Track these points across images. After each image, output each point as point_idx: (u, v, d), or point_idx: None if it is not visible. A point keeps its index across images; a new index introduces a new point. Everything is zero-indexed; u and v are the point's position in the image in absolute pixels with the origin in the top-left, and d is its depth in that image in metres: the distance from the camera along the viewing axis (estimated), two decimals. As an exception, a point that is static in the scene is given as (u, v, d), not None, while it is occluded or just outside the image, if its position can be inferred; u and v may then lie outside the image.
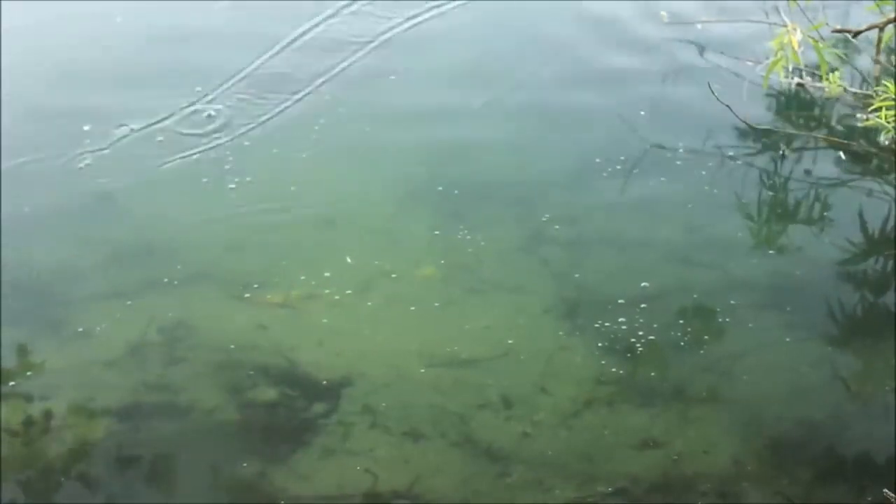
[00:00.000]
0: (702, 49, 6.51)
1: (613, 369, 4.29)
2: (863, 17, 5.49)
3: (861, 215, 5.17)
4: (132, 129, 5.75)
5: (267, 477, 3.88)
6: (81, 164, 5.50)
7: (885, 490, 3.66)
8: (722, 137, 5.71)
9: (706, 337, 4.47)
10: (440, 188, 5.30)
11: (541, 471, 3.89)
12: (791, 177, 5.55)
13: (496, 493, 3.82)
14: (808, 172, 5.57)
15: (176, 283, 4.72)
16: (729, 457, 3.96)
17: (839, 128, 5.88)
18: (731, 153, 5.63)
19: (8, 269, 4.81)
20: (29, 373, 4.30)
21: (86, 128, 5.73)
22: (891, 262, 4.95)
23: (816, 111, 6.08)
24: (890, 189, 5.37)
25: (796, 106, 6.11)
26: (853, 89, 5.58)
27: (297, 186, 5.34)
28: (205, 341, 4.45)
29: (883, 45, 5.05)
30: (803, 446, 4.02)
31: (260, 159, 5.56)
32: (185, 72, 6.20)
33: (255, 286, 4.71)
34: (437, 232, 5.03)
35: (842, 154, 5.60)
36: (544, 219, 5.10)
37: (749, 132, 5.75)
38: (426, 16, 6.87)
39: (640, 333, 4.44)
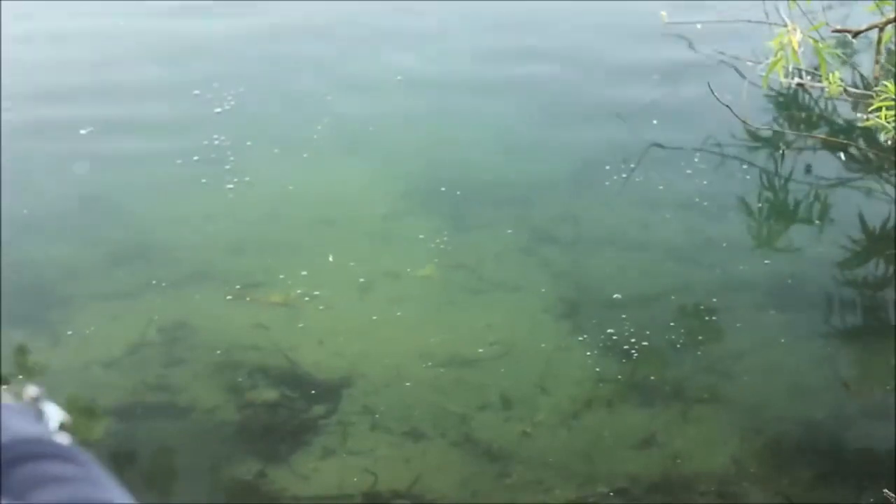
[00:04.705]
0: (701, 49, 6.51)
1: (613, 369, 4.29)
2: (863, 17, 5.50)
3: (861, 215, 5.17)
4: None
5: (267, 477, 3.88)
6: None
7: (885, 490, 3.66)
8: (721, 137, 5.71)
9: (706, 337, 4.47)
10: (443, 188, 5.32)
11: (541, 471, 3.89)
12: (791, 177, 5.55)
13: (496, 492, 3.81)
14: (808, 172, 5.57)
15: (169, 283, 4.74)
16: (729, 457, 3.95)
17: (839, 128, 5.88)
18: (730, 153, 5.63)
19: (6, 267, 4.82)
20: (20, 376, 4.29)
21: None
22: (891, 262, 4.94)
23: (816, 111, 6.08)
24: (890, 189, 5.36)
25: (796, 106, 6.11)
26: (853, 89, 5.58)
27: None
28: (204, 341, 4.44)
29: (883, 45, 5.05)
30: (803, 446, 4.02)
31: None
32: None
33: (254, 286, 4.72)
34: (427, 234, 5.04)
35: (842, 154, 5.60)
36: (545, 218, 5.11)
37: (749, 132, 5.75)
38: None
39: (641, 333, 4.43)
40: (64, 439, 1.06)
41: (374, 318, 4.55)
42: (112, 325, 4.51)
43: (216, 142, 5.66)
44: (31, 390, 1.12)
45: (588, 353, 4.36)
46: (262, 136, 5.75)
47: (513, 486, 3.84)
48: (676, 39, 6.56)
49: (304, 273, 4.76)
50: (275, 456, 3.96)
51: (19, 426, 1.02)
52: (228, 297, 4.65)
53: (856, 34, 5.02)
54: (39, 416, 1.09)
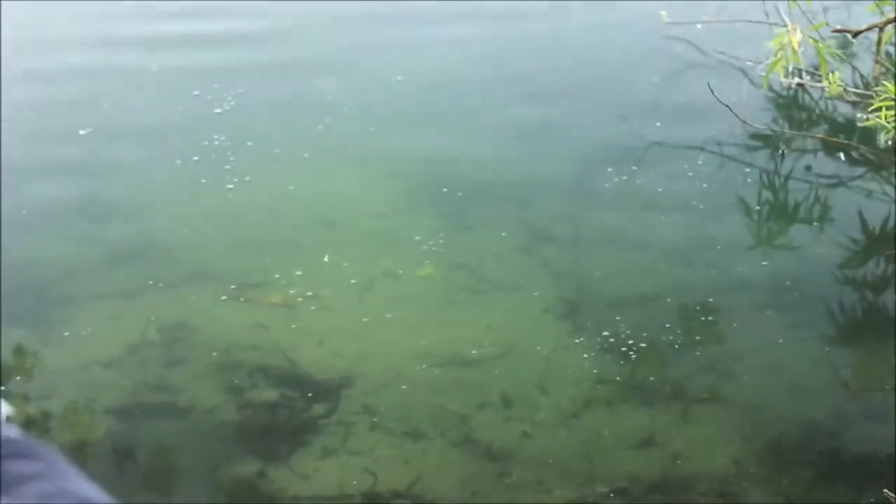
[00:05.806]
0: (701, 49, 6.51)
1: (613, 369, 4.29)
2: (863, 17, 5.50)
3: (861, 215, 5.17)
4: None
5: (267, 477, 3.87)
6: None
7: (885, 490, 3.66)
8: (721, 137, 5.71)
9: (706, 337, 4.47)
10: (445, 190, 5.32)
11: (541, 471, 3.89)
12: (790, 177, 5.55)
13: (496, 492, 3.81)
14: (807, 172, 5.57)
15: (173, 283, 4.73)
16: (729, 457, 3.95)
17: (839, 128, 5.88)
18: (730, 153, 5.63)
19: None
20: (18, 377, 4.29)
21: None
22: (891, 262, 4.94)
23: (816, 111, 6.08)
24: (890, 189, 5.36)
25: (796, 106, 6.11)
26: (853, 89, 5.58)
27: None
28: (204, 341, 4.44)
29: (883, 45, 5.06)
30: (803, 446, 4.02)
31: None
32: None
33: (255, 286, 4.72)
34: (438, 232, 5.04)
35: (841, 154, 5.60)
36: (545, 218, 5.11)
37: (749, 132, 5.75)
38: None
39: (640, 333, 4.43)
40: (14, 432, 1.08)
41: (374, 318, 4.54)
42: (111, 325, 4.51)
43: (216, 142, 5.66)
44: None
45: (588, 353, 4.36)
46: (262, 136, 5.76)
47: (513, 486, 3.84)
48: (676, 39, 6.56)
49: (304, 273, 4.76)
50: (275, 456, 3.96)
51: None
52: (227, 298, 4.65)
53: (856, 34, 5.02)
54: None
